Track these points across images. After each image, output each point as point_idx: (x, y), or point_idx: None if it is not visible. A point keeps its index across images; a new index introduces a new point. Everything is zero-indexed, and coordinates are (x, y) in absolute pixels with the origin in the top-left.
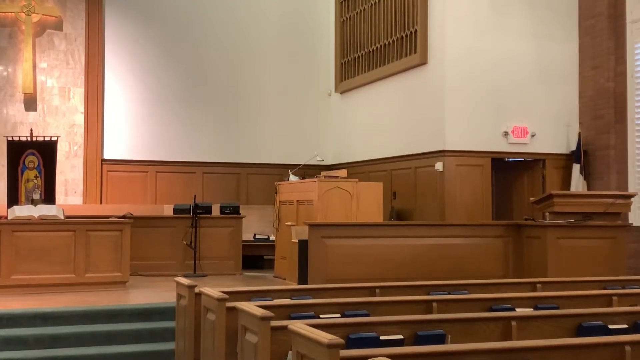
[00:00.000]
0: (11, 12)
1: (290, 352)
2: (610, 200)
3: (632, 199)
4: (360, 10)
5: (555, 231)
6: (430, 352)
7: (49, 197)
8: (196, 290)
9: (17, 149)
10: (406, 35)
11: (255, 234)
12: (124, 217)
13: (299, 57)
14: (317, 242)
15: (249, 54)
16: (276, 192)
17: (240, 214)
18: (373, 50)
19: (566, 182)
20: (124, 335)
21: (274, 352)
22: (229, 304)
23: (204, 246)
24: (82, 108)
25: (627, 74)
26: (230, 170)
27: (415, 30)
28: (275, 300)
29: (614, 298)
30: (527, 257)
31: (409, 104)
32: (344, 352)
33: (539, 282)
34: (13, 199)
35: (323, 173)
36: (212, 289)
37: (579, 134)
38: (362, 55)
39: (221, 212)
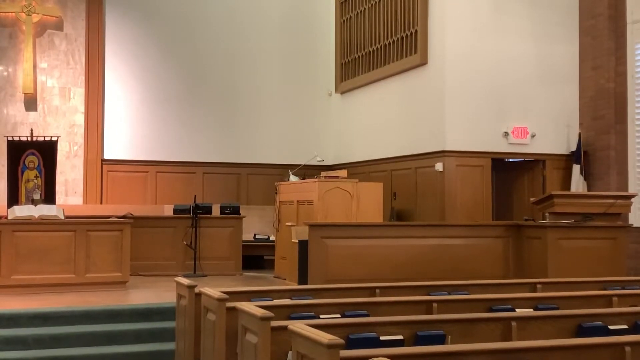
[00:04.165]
0: (11, 12)
1: (290, 353)
2: (611, 200)
3: (632, 200)
4: (361, 11)
5: (555, 232)
6: (430, 353)
7: (49, 197)
8: (196, 290)
9: (17, 149)
10: (406, 35)
11: (255, 234)
12: (124, 217)
13: (299, 58)
14: (317, 243)
15: (250, 54)
16: (276, 193)
17: (240, 214)
18: (373, 50)
19: (566, 183)
20: (124, 336)
21: (274, 352)
22: (229, 304)
23: (204, 246)
24: (82, 108)
25: (628, 74)
26: (230, 171)
27: (416, 31)
28: (275, 300)
29: (614, 298)
30: (527, 257)
31: (409, 104)
32: (344, 353)
33: (539, 283)
34: (13, 199)
35: (323, 173)
36: (212, 289)
37: (579, 134)
38: (362, 55)
39: (221, 213)
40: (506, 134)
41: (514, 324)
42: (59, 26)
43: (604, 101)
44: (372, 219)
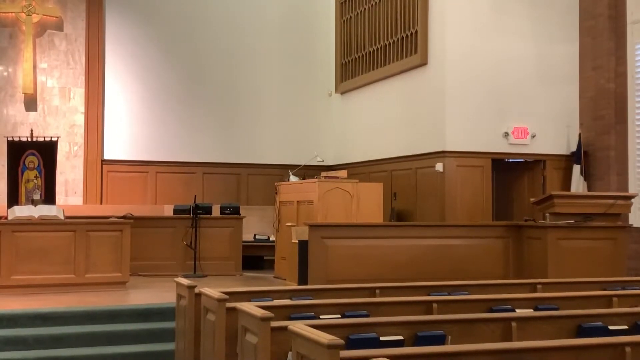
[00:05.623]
0: (12, 13)
1: (290, 353)
2: (611, 201)
3: (633, 200)
4: (361, 11)
5: (555, 232)
6: (430, 353)
7: (49, 197)
8: (196, 290)
9: (17, 149)
10: (407, 35)
11: (255, 235)
12: (124, 217)
13: (299, 58)
14: (317, 243)
15: (250, 54)
16: (276, 193)
17: (240, 214)
18: (373, 50)
19: (566, 183)
20: (124, 336)
21: (274, 352)
22: (229, 305)
23: (204, 246)
24: (82, 108)
25: (628, 74)
26: (230, 171)
27: (416, 31)
28: (275, 300)
29: (614, 299)
30: (528, 258)
31: (410, 104)
32: (344, 353)
33: (539, 283)
34: (13, 199)
35: (323, 173)
36: (212, 290)
37: (580, 134)
38: (362, 55)
39: (221, 213)
40: (506, 134)
41: (514, 324)
42: (59, 26)
43: (604, 101)
44: (372, 219)
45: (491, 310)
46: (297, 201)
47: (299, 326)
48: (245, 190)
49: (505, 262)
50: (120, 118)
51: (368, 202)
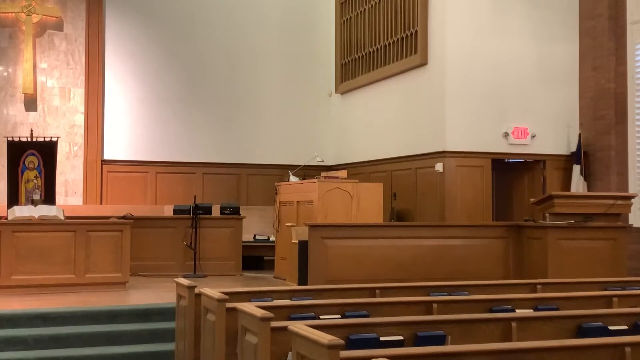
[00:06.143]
0: (12, 13)
1: (290, 353)
2: (611, 201)
3: (633, 200)
4: (361, 11)
5: (555, 232)
6: (431, 353)
7: (49, 197)
8: (196, 290)
9: (17, 149)
10: (407, 36)
11: (255, 235)
12: (124, 217)
13: (299, 58)
14: (317, 243)
15: (250, 54)
16: (276, 193)
17: (240, 214)
18: (373, 51)
19: (566, 183)
20: (124, 336)
21: (274, 352)
22: (229, 305)
23: (204, 247)
24: (82, 108)
25: (628, 75)
26: (230, 171)
27: (416, 31)
28: (275, 301)
29: (614, 299)
30: (528, 258)
31: (410, 104)
32: (344, 353)
33: (539, 283)
34: (13, 199)
35: (323, 174)
36: (212, 290)
37: (580, 134)
38: (362, 56)
39: (221, 213)
40: (506, 135)
41: (514, 324)
42: (59, 26)
43: (604, 101)
44: (372, 219)
45: (491, 311)
46: (297, 201)
47: (299, 326)
48: (245, 190)
49: (505, 262)
50: (120, 118)
51: (368, 202)
